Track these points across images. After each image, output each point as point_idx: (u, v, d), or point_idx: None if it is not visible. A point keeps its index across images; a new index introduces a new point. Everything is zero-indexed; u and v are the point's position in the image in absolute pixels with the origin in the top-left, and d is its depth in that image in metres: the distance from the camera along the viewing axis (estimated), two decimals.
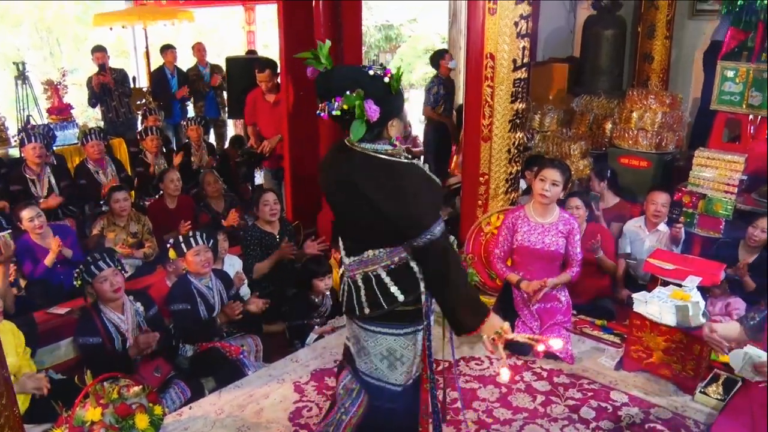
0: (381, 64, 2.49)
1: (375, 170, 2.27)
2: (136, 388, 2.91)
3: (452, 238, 4.47)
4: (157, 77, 8.44)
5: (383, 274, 2.36)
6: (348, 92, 2.19)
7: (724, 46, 5.48)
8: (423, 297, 2.39)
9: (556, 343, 2.55)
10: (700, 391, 3.50)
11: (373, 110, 2.19)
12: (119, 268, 3.59)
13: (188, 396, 3.56)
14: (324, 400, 3.47)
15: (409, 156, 2.40)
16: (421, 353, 2.51)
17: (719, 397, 3.43)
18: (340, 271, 2.56)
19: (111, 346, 3.47)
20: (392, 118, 2.31)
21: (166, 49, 8.53)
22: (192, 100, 8.89)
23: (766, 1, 5.12)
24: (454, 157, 7.89)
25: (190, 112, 8.82)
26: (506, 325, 2.38)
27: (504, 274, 3.97)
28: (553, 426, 3.26)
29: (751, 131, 5.54)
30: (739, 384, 3.39)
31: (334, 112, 2.23)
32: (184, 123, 7.49)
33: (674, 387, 3.60)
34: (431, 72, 7.76)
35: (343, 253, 2.49)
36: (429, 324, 2.49)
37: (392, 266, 2.36)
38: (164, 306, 3.93)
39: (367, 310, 2.38)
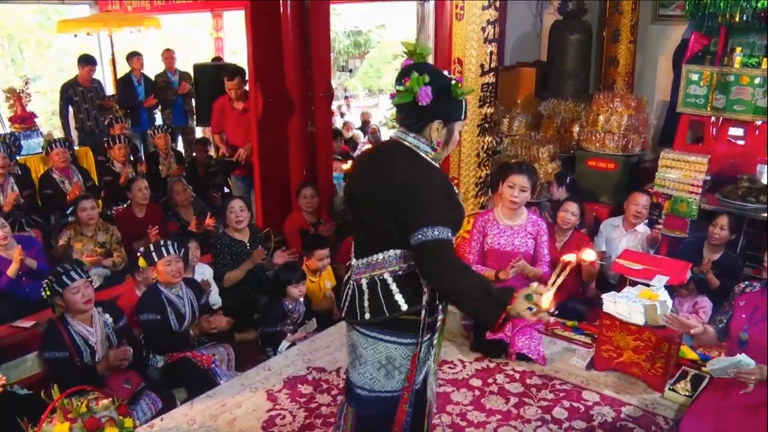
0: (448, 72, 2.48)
1: (407, 162, 2.24)
2: (106, 401, 2.86)
3: None
4: (124, 85, 8.33)
5: (389, 280, 2.31)
6: (416, 73, 2.20)
7: (688, 50, 5.60)
8: (423, 311, 2.29)
9: (588, 255, 2.57)
10: (669, 388, 3.56)
11: (425, 95, 2.19)
12: (89, 279, 3.54)
13: (159, 407, 3.51)
14: (297, 408, 3.45)
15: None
16: (420, 364, 2.39)
17: (687, 394, 3.49)
18: (347, 276, 2.50)
19: (79, 359, 3.40)
20: (439, 119, 2.27)
21: (133, 56, 8.43)
22: (160, 107, 8.80)
23: (727, 7, 5.24)
24: None
25: (158, 119, 8.73)
26: (534, 289, 2.21)
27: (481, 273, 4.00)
28: (527, 427, 3.28)
29: (714, 133, 5.66)
30: (707, 380, 3.45)
31: (398, 87, 2.24)
32: (151, 131, 7.40)
33: (644, 385, 3.65)
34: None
35: (353, 255, 2.44)
36: (431, 339, 2.40)
37: (399, 272, 2.30)
38: (133, 316, 3.87)
39: (367, 316, 2.32)
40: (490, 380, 3.70)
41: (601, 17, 7.32)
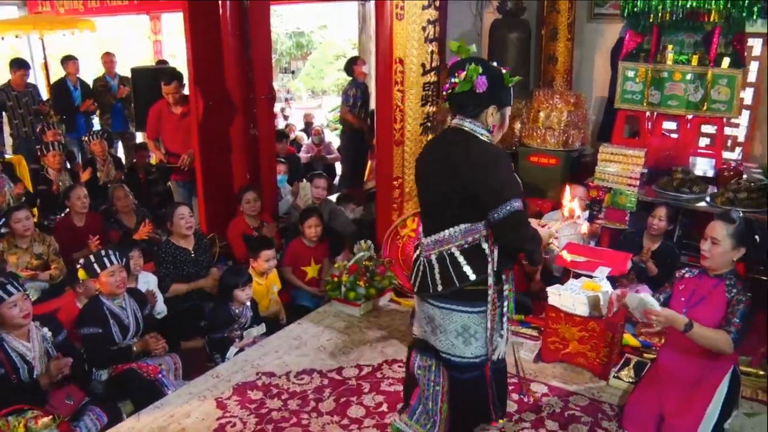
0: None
1: (470, 144, 2.53)
2: (46, 419, 2.77)
3: (370, 242, 4.49)
4: (59, 90, 8.07)
5: (457, 253, 2.56)
6: (470, 65, 2.50)
7: (623, 48, 5.76)
8: (490, 279, 2.54)
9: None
10: (614, 376, 3.66)
11: (482, 83, 2.49)
12: (26, 293, 3.40)
13: (105, 422, 3.40)
14: (248, 414, 3.40)
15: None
16: (495, 332, 2.68)
17: (631, 380, 3.59)
18: (416, 254, 2.75)
19: (16, 376, 3.26)
20: (494, 104, 2.56)
21: (68, 60, 8.18)
22: (99, 113, 8.56)
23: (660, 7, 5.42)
24: (369, 163, 7.93)
25: (97, 125, 8.49)
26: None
27: None
28: None
29: (649, 127, 5.84)
30: (648, 366, 3.56)
31: (453, 79, 2.53)
32: (86, 138, 7.18)
33: (590, 374, 3.74)
34: (343, 78, 7.79)
35: (422, 234, 2.69)
36: (501, 308, 2.68)
37: (465, 246, 2.55)
38: (74, 330, 3.74)
39: (440, 288, 2.58)
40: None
41: (540, 16, 7.45)
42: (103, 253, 3.76)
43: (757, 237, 2.99)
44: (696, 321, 3.00)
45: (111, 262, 3.72)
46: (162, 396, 3.59)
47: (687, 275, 3.24)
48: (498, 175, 2.46)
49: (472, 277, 2.54)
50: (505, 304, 2.70)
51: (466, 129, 2.56)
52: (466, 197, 2.50)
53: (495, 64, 2.60)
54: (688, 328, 2.93)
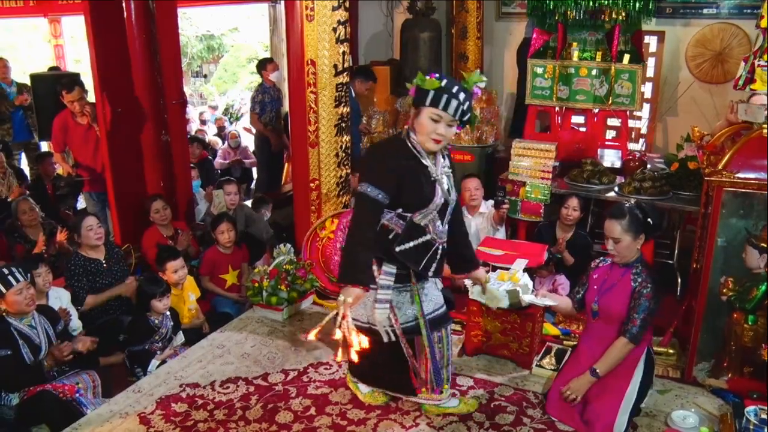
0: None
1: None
2: None
3: (289, 246, 4.47)
4: None
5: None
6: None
7: (531, 46, 5.95)
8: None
9: None
10: (536, 365, 3.77)
11: (413, 89, 2.84)
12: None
13: None
14: (173, 428, 3.30)
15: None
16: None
17: (553, 367, 3.71)
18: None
19: None
20: (414, 105, 2.82)
21: None
22: None
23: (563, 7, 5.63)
24: (286, 166, 7.86)
25: None
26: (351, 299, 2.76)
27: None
28: (406, 418, 3.34)
29: (559, 121, 6.05)
30: (569, 353, 3.68)
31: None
32: None
33: (513, 364, 3.84)
34: (257, 81, 7.68)
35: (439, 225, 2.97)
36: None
37: None
38: None
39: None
40: None
41: (449, 15, 7.60)
42: (6, 271, 3.54)
43: (650, 220, 3.15)
44: (607, 307, 3.19)
45: (17, 280, 3.52)
46: (80, 416, 3.42)
47: (600, 265, 3.40)
48: (364, 161, 2.91)
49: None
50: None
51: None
52: None
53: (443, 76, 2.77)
54: (596, 375, 3.18)
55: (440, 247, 2.99)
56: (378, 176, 2.79)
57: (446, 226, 3.00)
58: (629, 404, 3.13)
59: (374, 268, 2.90)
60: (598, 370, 3.16)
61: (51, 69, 8.75)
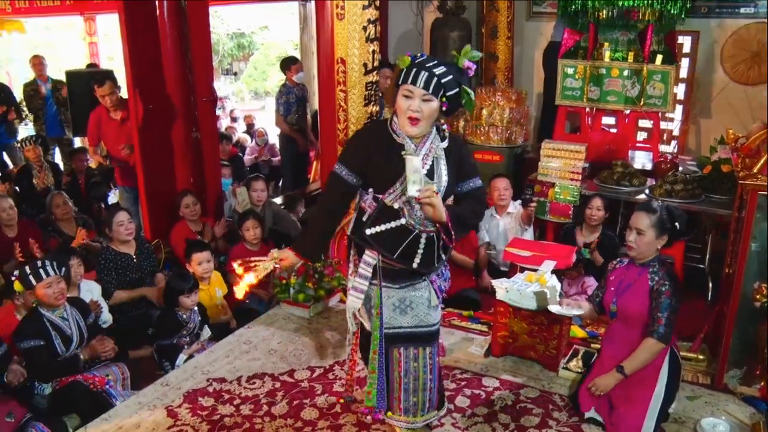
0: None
1: None
2: None
3: None
4: None
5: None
6: None
7: (562, 46, 5.89)
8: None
9: None
10: (563, 367, 3.74)
11: None
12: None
13: None
14: (199, 422, 3.34)
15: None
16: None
17: (580, 370, 3.67)
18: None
19: None
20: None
21: None
22: (32, 118, 8.25)
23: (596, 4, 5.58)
24: (314, 163, 7.89)
25: (23, 131, 8.17)
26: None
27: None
28: None
29: (589, 122, 5.99)
30: (596, 356, 3.65)
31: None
32: (19, 143, 6.92)
33: (540, 366, 3.81)
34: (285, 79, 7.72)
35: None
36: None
37: None
38: (14, 343, 3.60)
39: (443, 257, 2.82)
40: None
41: (480, 14, 7.57)
42: (38, 264, 3.61)
43: (677, 224, 3.11)
44: (625, 308, 3.16)
45: (47, 274, 3.58)
46: (110, 407, 3.49)
47: (618, 266, 3.37)
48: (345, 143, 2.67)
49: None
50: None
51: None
52: None
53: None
54: (622, 372, 3.11)
55: (424, 235, 2.63)
56: (347, 154, 2.70)
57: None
58: (656, 409, 3.09)
59: (352, 253, 2.80)
60: (625, 369, 3.12)
61: (89, 66, 8.90)
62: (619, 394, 3.16)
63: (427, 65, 2.47)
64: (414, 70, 2.47)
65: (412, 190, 2.46)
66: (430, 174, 2.57)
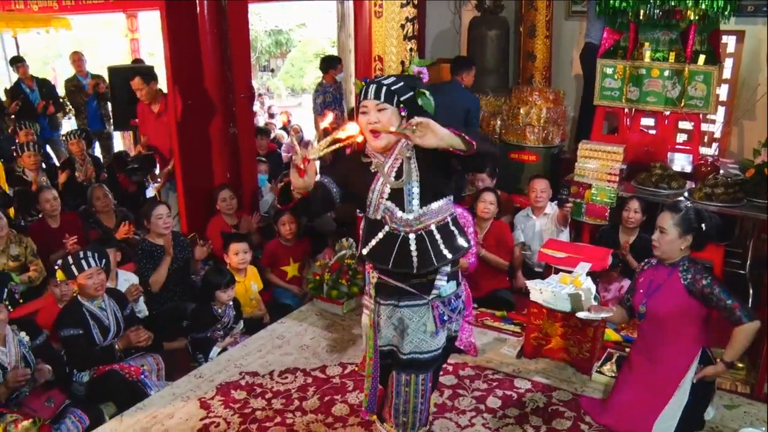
0: None
1: None
2: (26, 423, 2.73)
3: (351, 240, 4.47)
4: (14, 93, 7.89)
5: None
6: None
7: (601, 45, 5.81)
8: None
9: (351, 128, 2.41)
10: (596, 371, 3.70)
11: None
12: (6, 303, 3.34)
13: (87, 424, 3.37)
14: (231, 414, 3.38)
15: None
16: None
17: (613, 374, 3.63)
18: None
19: None
20: None
21: (16, 63, 8.02)
22: (74, 112, 8.44)
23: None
24: None
25: (66, 126, 8.36)
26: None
27: None
28: (462, 418, 3.33)
29: (627, 123, 5.90)
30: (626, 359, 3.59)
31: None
32: (63, 137, 7.09)
33: (572, 369, 3.77)
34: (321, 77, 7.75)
35: None
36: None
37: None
38: (55, 332, 3.69)
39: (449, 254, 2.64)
40: None
41: (518, 13, 7.50)
42: (81, 255, 3.70)
43: (703, 225, 3.04)
44: (655, 309, 3.11)
45: (89, 265, 3.66)
46: (145, 397, 3.56)
47: (646, 267, 3.31)
48: None
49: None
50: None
51: None
52: None
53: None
54: (729, 364, 3.03)
55: (412, 236, 2.53)
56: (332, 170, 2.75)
57: (417, 212, 2.51)
58: (677, 409, 3.03)
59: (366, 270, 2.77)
60: (726, 358, 3.02)
61: (134, 61, 9.07)
62: (638, 389, 3.13)
63: (377, 80, 2.52)
64: (364, 88, 2.52)
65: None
66: (399, 174, 2.52)
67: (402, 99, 2.46)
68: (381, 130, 2.40)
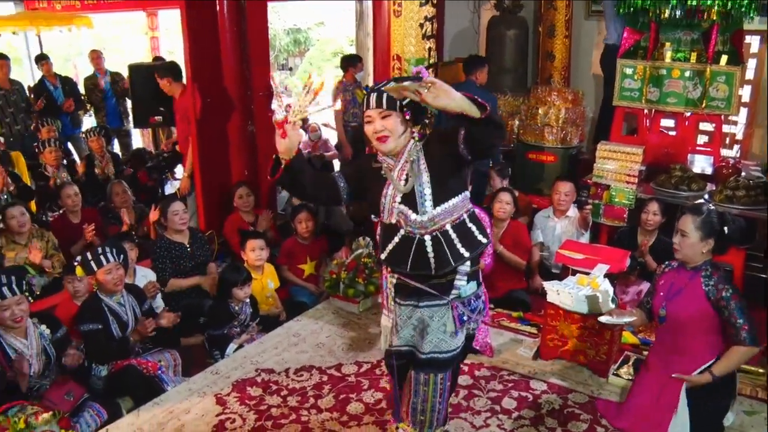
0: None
1: None
2: (46, 415, 2.76)
3: (368, 239, 4.47)
4: (38, 90, 7.98)
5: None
6: None
7: (621, 45, 5.76)
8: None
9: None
10: (613, 374, 3.67)
11: None
12: (26, 293, 3.38)
13: (105, 418, 3.40)
14: (247, 411, 3.40)
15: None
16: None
17: (630, 377, 3.59)
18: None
19: (12, 374, 3.25)
20: None
21: (41, 60, 8.08)
22: (94, 110, 8.51)
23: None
24: None
25: (86, 123, 8.44)
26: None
27: None
28: (477, 419, 3.32)
29: (647, 124, 5.85)
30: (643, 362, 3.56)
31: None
32: (83, 134, 7.16)
33: (589, 372, 3.74)
34: (340, 75, 7.76)
35: None
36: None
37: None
38: (74, 327, 3.73)
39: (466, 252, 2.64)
40: None
41: (537, 13, 7.47)
42: (100, 250, 3.73)
43: (726, 229, 3.00)
44: (676, 313, 3.07)
45: (108, 260, 3.70)
46: (161, 392, 3.59)
47: (666, 270, 3.27)
48: None
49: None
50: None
51: None
52: None
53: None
54: (715, 377, 2.99)
55: (427, 237, 2.52)
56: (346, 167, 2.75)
57: (430, 213, 2.50)
58: (685, 414, 3.01)
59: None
60: (714, 371, 2.99)
61: (155, 59, 9.14)
62: (655, 390, 3.11)
63: (376, 87, 2.51)
64: (366, 97, 2.53)
65: None
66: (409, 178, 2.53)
67: (404, 103, 2.46)
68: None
